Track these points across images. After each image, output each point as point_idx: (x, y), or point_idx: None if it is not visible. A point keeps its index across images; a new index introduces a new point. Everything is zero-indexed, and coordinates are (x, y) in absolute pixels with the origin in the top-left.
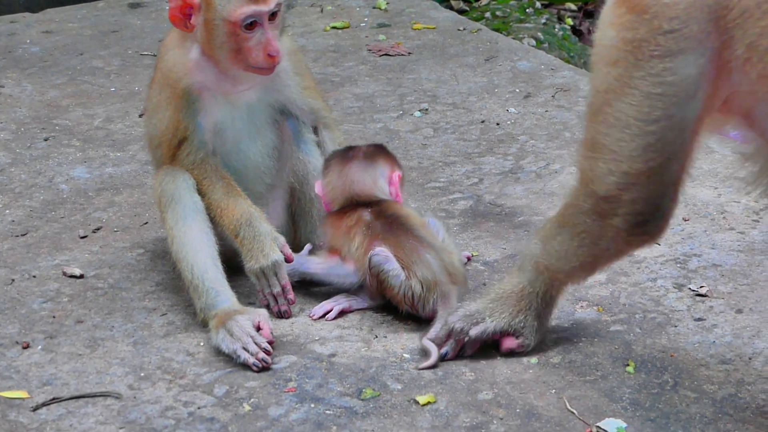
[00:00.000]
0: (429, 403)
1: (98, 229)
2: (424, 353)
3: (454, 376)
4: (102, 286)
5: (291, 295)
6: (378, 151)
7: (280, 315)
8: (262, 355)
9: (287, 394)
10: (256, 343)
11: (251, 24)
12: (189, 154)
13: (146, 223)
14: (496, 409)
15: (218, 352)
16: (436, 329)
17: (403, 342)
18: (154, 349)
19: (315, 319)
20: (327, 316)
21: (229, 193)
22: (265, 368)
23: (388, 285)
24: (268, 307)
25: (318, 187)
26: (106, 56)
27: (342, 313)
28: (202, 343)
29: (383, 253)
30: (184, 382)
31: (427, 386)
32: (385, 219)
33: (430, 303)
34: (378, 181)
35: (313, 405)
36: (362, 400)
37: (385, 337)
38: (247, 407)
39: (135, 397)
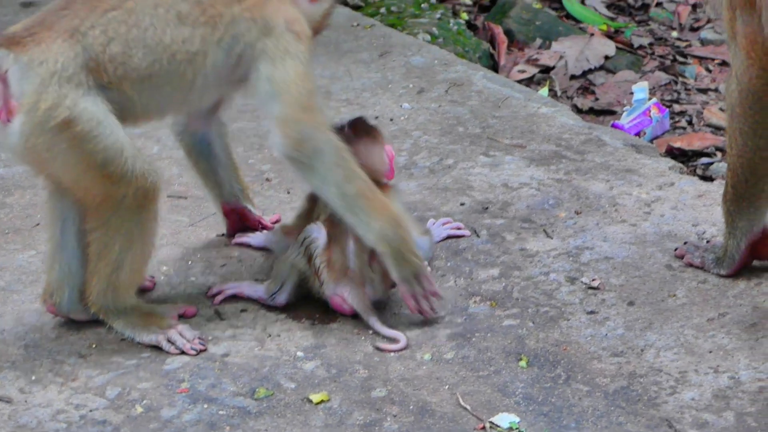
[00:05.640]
0: (322, 401)
1: None
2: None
3: (348, 374)
4: None
5: None
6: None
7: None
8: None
9: (180, 395)
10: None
11: None
12: None
13: (38, 224)
14: (390, 406)
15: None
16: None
17: (296, 340)
18: (45, 352)
19: (207, 297)
20: (216, 299)
21: None
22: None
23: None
24: None
25: None
26: None
27: (234, 298)
28: (94, 345)
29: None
30: (76, 384)
31: (320, 384)
32: None
33: (327, 284)
34: None
35: (206, 405)
36: (255, 399)
37: (279, 335)
38: (139, 409)
39: (26, 401)
